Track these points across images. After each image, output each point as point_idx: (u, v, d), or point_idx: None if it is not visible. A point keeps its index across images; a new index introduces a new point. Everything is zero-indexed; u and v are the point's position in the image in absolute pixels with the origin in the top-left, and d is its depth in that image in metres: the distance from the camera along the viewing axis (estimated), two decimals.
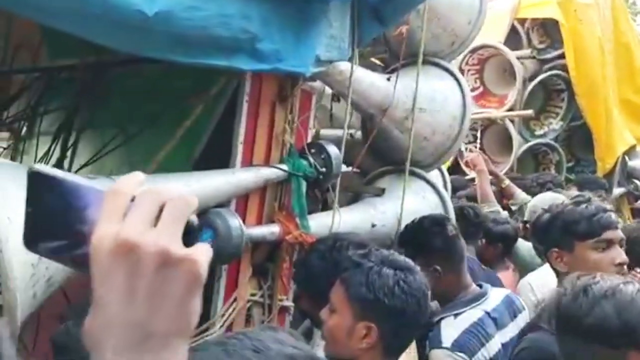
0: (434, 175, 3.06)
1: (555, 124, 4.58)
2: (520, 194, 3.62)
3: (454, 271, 2.00)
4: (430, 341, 1.80)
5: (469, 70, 4.45)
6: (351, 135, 2.74)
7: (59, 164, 1.87)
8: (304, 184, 1.80)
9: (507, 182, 3.64)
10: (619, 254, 1.69)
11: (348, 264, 1.25)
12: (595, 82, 4.32)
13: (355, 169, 2.63)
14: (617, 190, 5.00)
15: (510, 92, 4.23)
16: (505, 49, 4.25)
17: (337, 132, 2.67)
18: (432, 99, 2.29)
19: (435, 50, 2.45)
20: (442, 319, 1.95)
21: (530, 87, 4.28)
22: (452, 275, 1.99)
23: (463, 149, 4.38)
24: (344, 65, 1.89)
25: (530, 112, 4.17)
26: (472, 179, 3.92)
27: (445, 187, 3.11)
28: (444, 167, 3.73)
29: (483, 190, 3.51)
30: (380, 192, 2.25)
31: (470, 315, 1.93)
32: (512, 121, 4.28)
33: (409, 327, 1.24)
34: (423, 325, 1.28)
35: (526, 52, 4.33)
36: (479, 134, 4.39)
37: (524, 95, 4.29)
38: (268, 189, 1.74)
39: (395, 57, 2.59)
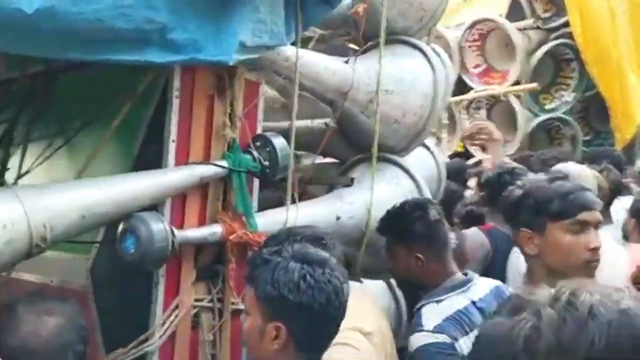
0: (422, 157, 2.98)
1: (568, 96, 4.37)
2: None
3: (438, 258, 1.90)
4: (411, 328, 1.72)
5: (469, 47, 4.30)
6: (326, 124, 2.66)
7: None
8: (254, 181, 1.73)
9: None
10: (594, 238, 1.55)
11: (259, 261, 1.17)
12: (605, 47, 4.10)
13: (335, 159, 2.56)
14: None
15: (512, 67, 4.05)
16: (503, 21, 4.08)
17: (307, 123, 2.60)
18: (400, 80, 2.17)
19: (403, 27, 2.33)
20: (423, 305, 1.86)
21: (535, 59, 4.08)
22: (435, 263, 1.90)
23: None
24: (291, 51, 1.80)
25: (534, 85, 3.98)
26: (477, 162, 3.79)
27: (439, 170, 3.03)
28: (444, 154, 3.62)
29: (499, 160, 3.45)
30: (349, 182, 2.15)
31: (454, 302, 1.83)
32: (517, 96, 4.09)
33: (322, 324, 1.17)
34: (340, 319, 1.19)
35: (528, 22, 4.14)
36: (484, 113, 4.22)
37: (529, 68, 4.10)
38: (210, 188, 1.67)
39: (366, 38, 2.49)
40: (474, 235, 2.69)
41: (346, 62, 2.05)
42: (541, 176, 1.60)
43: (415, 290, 1.98)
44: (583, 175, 2.51)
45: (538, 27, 4.33)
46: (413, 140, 2.31)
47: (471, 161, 4.07)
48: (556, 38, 4.27)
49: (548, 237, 1.56)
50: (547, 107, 4.37)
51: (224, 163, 1.64)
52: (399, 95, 2.18)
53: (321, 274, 1.16)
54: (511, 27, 4.03)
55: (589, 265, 1.54)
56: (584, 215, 1.56)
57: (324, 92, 2.03)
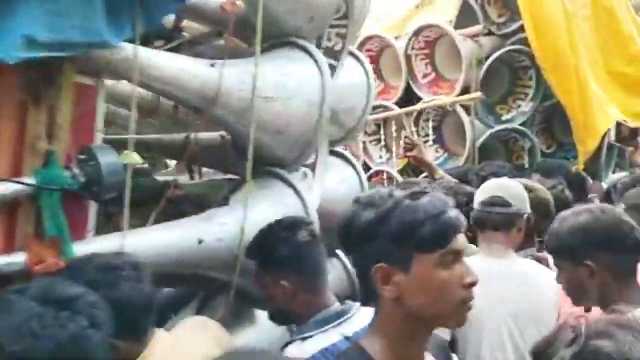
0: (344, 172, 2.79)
1: (525, 106, 4.15)
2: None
3: (308, 287, 1.69)
4: None
5: (417, 56, 4.09)
6: (222, 136, 2.46)
7: None
8: (84, 201, 1.51)
9: (441, 173, 3.28)
10: (468, 270, 1.20)
11: None
12: (562, 53, 3.89)
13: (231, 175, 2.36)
14: (616, 176, 4.51)
15: (460, 76, 3.84)
16: (449, 27, 3.87)
17: (212, 135, 2.40)
18: (282, 85, 1.97)
19: (294, 27, 2.13)
20: (287, 344, 1.64)
21: (485, 66, 3.87)
22: (304, 293, 1.68)
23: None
24: (141, 50, 1.60)
25: (478, 94, 3.77)
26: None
27: (361, 184, 2.83)
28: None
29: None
30: (224, 201, 1.92)
31: (322, 339, 1.62)
32: (467, 107, 3.87)
33: None
34: None
35: (478, 27, 3.92)
36: (430, 126, 3.99)
37: (479, 77, 3.88)
38: (20, 209, 1.45)
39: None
40: None
41: (212, 65, 1.84)
42: (399, 192, 1.27)
43: (289, 323, 1.74)
44: (515, 191, 2.26)
45: (492, 33, 4.13)
46: (303, 153, 2.10)
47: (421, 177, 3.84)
48: (512, 44, 4.06)
49: (415, 274, 1.17)
50: (504, 117, 4.15)
51: (30, 180, 1.41)
52: (280, 103, 1.97)
53: (54, 317, 0.93)
54: (456, 34, 3.81)
55: (464, 307, 1.20)
56: (458, 243, 1.19)
57: (185, 97, 1.83)
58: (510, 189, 2.26)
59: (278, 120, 1.97)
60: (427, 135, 4.09)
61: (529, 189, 2.36)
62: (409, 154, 3.53)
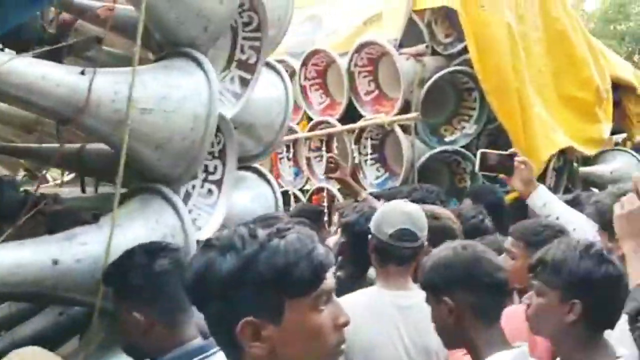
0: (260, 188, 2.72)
1: (469, 128, 4.09)
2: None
3: (165, 320, 1.56)
4: None
5: (360, 73, 4.02)
6: None
7: None
8: None
9: (364, 195, 3.21)
10: (341, 310, 1.08)
11: None
12: (504, 76, 3.85)
13: None
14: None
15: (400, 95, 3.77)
16: (388, 45, 3.81)
17: (101, 146, 2.28)
18: (163, 97, 1.88)
19: (188, 37, 2.04)
20: None
21: (425, 87, 3.80)
22: (160, 327, 1.56)
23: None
24: None
25: (415, 115, 3.70)
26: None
27: (276, 201, 2.76)
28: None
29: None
30: (92, 218, 1.81)
31: None
32: (405, 127, 3.79)
33: None
34: None
35: (420, 47, 3.86)
36: (369, 144, 3.91)
37: (420, 98, 3.81)
38: None
39: (159, 47, 2.20)
40: None
41: (82, 72, 1.73)
42: (262, 231, 1.05)
43: (143, 357, 1.62)
44: (422, 223, 2.16)
45: (437, 53, 4.07)
46: (189, 169, 2.00)
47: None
48: (458, 65, 4.01)
49: (288, 322, 1.02)
50: (447, 139, 4.09)
51: None
52: (160, 116, 1.87)
53: None
54: (395, 52, 3.75)
55: (339, 350, 1.07)
56: (329, 281, 1.05)
57: (48, 105, 1.71)
58: (418, 221, 2.15)
59: (158, 134, 1.87)
60: (367, 154, 4.01)
61: (435, 216, 2.27)
62: (331, 175, 3.46)
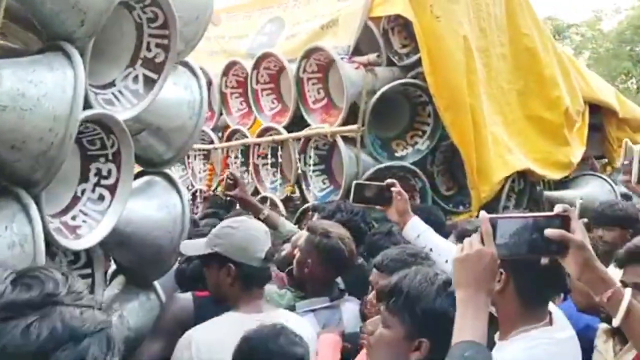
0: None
1: (421, 144, 3.94)
2: (286, 224, 3.05)
3: None
4: None
5: (309, 79, 3.87)
6: None
7: None
8: None
9: (266, 212, 3.07)
10: None
11: None
12: (458, 91, 3.70)
13: None
14: None
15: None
16: (332, 52, 3.66)
17: None
18: (20, 94, 1.74)
19: (65, 31, 1.90)
20: None
21: (373, 98, 3.65)
22: None
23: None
24: None
25: (355, 127, 3.55)
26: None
27: (184, 211, 2.63)
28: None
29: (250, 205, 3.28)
30: None
31: None
32: (351, 139, 3.64)
33: None
34: None
35: (371, 56, 3.71)
36: (312, 154, 3.76)
37: (367, 110, 3.66)
38: None
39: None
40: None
41: None
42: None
43: None
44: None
45: (393, 64, 3.92)
46: (47, 173, 1.86)
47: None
48: (414, 77, 3.86)
49: None
50: (398, 154, 3.93)
51: None
52: (15, 114, 1.72)
53: None
54: (341, 61, 3.60)
55: None
56: None
57: None
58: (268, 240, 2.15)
59: (12, 134, 1.72)
60: (312, 164, 3.86)
61: (324, 234, 2.19)
62: (228, 193, 3.34)
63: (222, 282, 2.13)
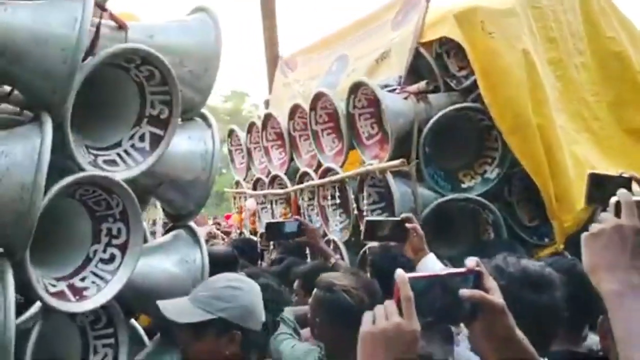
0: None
1: (490, 172, 3.57)
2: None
3: None
4: None
5: (360, 115, 3.69)
6: None
7: None
8: None
9: (333, 260, 2.88)
10: None
11: None
12: (521, 112, 3.31)
13: None
14: None
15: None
16: (372, 86, 3.45)
17: None
18: None
19: (42, 99, 1.97)
20: None
21: (427, 128, 3.38)
22: None
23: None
24: None
25: (398, 161, 3.27)
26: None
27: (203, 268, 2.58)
28: None
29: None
30: None
31: None
32: (404, 173, 3.38)
33: None
34: None
35: (421, 84, 3.45)
36: (372, 192, 3.55)
37: (421, 140, 3.39)
38: None
39: None
40: None
41: None
42: None
43: None
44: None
45: (451, 88, 3.62)
46: (22, 241, 1.87)
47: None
48: (474, 101, 3.52)
49: None
50: (464, 185, 3.57)
51: None
52: None
53: None
54: (380, 92, 3.37)
55: None
56: None
57: None
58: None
59: None
60: (372, 202, 3.64)
61: (327, 287, 1.97)
62: (299, 239, 3.22)
63: (220, 351, 1.92)
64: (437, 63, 3.66)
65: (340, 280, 2.08)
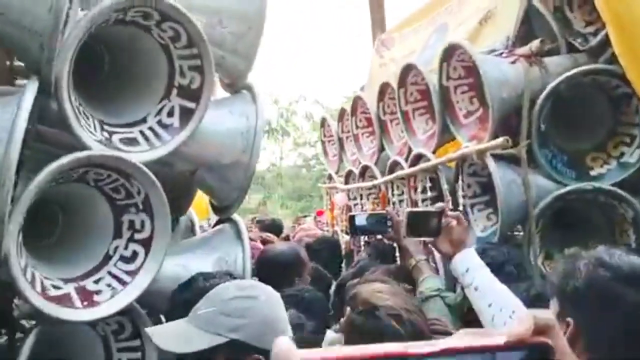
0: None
1: (629, 155, 2.87)
2: (428, 282, 2.36)
3: None
4: None
5: (456, 88, 3.15)
6: None
7: None
8: None
9: (414, 261, 2.42)
10: None
11: None
12: None
13: None
14: None
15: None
16: (468, 48, 2.88)
17: None
18: None
19: (33, 60, 1.73)
20: None
21: (539, 101, 2.77)
22: None
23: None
24: None
25: (499, 141, 2.66)
26: None
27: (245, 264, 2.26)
28: None
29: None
30: None
31: None
32: (513, 157, 2.79)
33: None
34: None
35: (534, 43, 2.84)
36: (473, 183, 2.99)
37: (534, 114, 2.79)
38: None
39: None
40: None
41: None
42: None
43: None
44: None
45: (576, 50, 2.96)
46: None
47: None
48: (607, 63, 2.85)
49: None
50: (593, 172, 2.90)
51: None
52: None
53: None
54: (481, 57, 2.77)
55: None
56: None
57: None
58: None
59: None
60: (474, 195, 3.08)
61: (370, 309, 1.47)
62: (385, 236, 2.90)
63: None
64: (557, 17, 3.03)
65: (384, 299, 1.57)
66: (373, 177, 4.57)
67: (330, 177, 6.07)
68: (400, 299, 1.60)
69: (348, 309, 1.66)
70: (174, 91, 2.13)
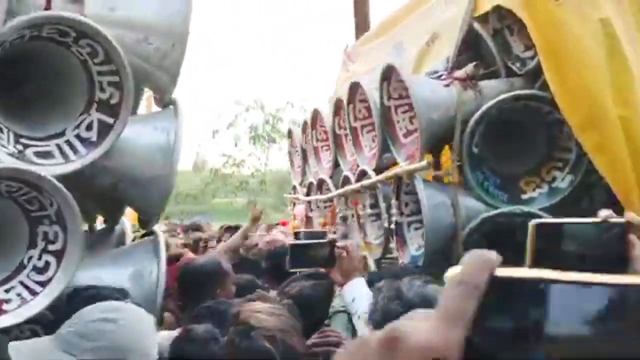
0: None
1: (561, 180, 2.98)
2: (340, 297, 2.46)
3: None
4: None
5: (397, 108, 3.25)
6: None
7: None
8: None
9: None
10: None
11: None
12: (598, 101, 2.71)
13: None
14: None
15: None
16: (399, 70, 2.99)
17: None
18: None
19: None
20: None
21: (470, 124, 2.87)
22: None
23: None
24: None
25: (423, 163, 2.76)
26: None
27: (158, 280, 2.32)
28: None
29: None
30: None
31: None
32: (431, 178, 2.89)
33: None
34: None
35: (469, 67, 2.95)
36: (409, 202, 3.09)
37: (465, 137, 2.89)
38: None
39: None
40: None
41: None
42: None
43: None
44: None
45: (514, 73, 3.06)
46: None
47: None
48: (541, 88, 2.95)
49: None
50: (525, 196, 3.00)
51: None
52: None
53: None
54: (411, 80, 2.88)
55: None
56: None
57: None
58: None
59: None
60: (410, 214, 3.18)
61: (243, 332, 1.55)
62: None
63: None
64: (497, 41, 3.14)
65: (260, 319, 1.64)
66: (329, 190, 4.67)
67: (294, 188, 6.17)
68: (277, 320, 1.69)
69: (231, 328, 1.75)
70: (94, 106, 2.22)
